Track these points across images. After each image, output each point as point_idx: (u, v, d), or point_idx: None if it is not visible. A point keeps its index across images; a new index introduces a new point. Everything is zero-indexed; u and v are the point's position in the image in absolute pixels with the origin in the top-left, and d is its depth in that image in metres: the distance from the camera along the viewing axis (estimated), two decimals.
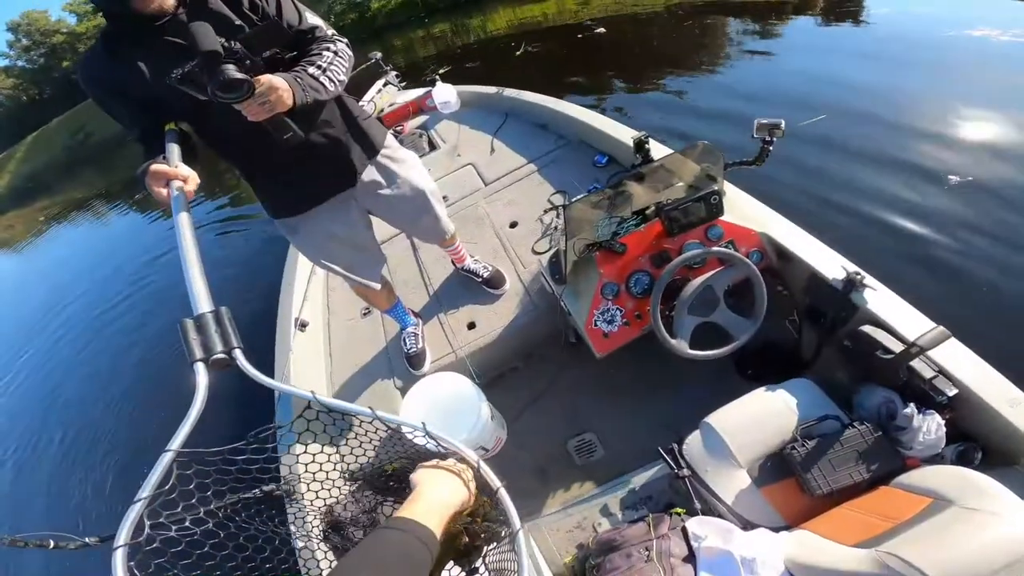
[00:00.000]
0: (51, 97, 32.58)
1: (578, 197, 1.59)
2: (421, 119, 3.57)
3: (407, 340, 2.09)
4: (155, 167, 1.03)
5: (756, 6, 6.61)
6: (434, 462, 0.79)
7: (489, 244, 2.40)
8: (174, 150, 1.10)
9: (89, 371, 4.52)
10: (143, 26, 1.13)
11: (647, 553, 1.09)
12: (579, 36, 6.95)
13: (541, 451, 1.90)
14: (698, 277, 1.48)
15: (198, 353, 0.74)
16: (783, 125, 1.45)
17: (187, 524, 0.72)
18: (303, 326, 2.28)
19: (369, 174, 1.55)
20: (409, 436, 0.97)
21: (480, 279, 2.17)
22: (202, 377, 0.73)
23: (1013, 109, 3.27)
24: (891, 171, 3.05)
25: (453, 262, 2.25)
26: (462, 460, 0.82)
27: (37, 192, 18.29)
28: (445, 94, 3.31)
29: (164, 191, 1.03)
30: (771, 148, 1.49)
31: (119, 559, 0.59)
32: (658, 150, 1.91)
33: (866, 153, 3.23)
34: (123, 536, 0.61)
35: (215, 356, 0.74)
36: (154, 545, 0.64)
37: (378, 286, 1.81)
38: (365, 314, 2.40)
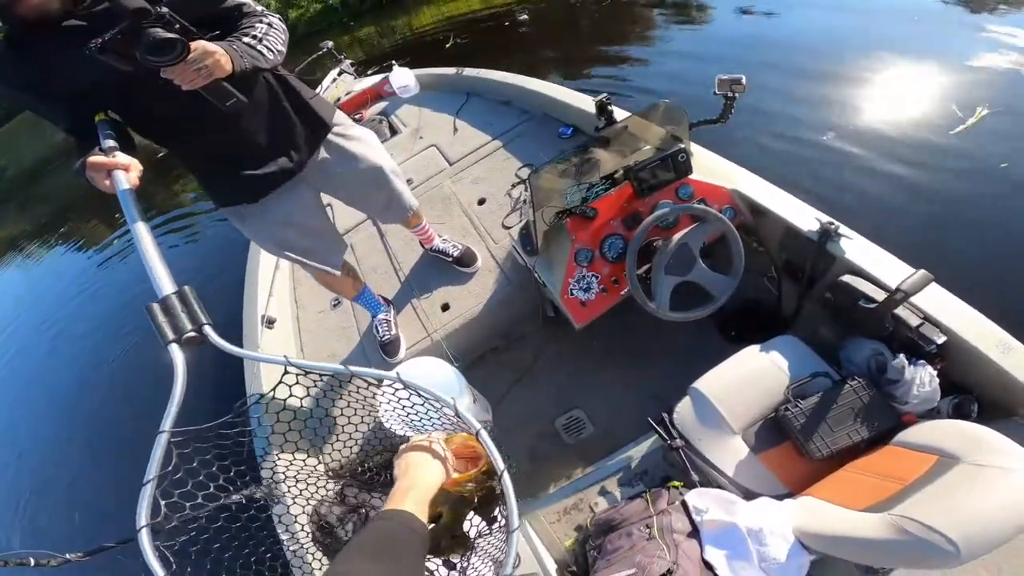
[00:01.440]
0: None
1: (543, 164, 1.57)
2: (380, 105, 3.49)
3: (379, 328, 2.05)
4: (92, 159, 1.01)
5: None
6: (409, 443, 0.79)
7: (458, 223, 2.37)
8: (109, 140, 1.06)
9: (53, 392, 4.37)
10: (46, 29, 1.06)
11: (648, 531, 1.08)
12: (506, 24, 6.97)
13: (529, 432, 1.90)
14: (673, 235, 1.48)
15: (170, 335, 0.75)
16: (744, 81, 1.45)
17: (200, 500, 0.75)
18: (270, 323, 2.22)
19: (319, 153, 1.49)
20: (387, 406, 0.96)
21: (451, 259, 2.15)
22: (178, 357, 0.75)
23: None
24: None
25: (421, 243, 2.22)
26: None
27: None
28: (403, 78, 3.24)
29: (108, 182, 1.00)
30: (734, 104, 1.50)
31: (145, 540, 0.63)
32: (621, 115, 1.90)
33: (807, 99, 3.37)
34: (143, 517, 0.63)
35: (186, 335, 0.76)
36: (172, 524, 0.68)
37: (338, 272, 1.76)
38: (335, 305, 2.35)
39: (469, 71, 3.20)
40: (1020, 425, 1.09)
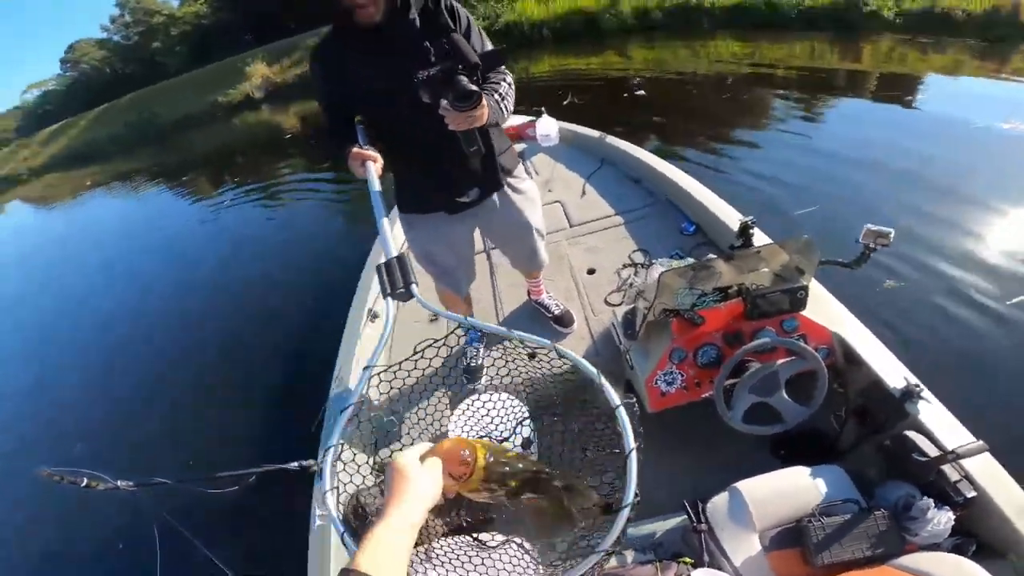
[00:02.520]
0: (131, 75, 34.15)
1: (669, 265, 1.72)
2: (519, 146, 3.78)
3: (468, 352, 2.25)
4: (356, 150, 1.38)
5: (802, 81, 6.94)
6: (397, 455, 0.73)
7: (564, 284, 2.55)
8: (365, 137, 1.47)
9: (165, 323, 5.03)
10: (362, 33, 1.41)
11: None
12: (624, 95, 7.28)
13: None
14: (766, 361, 1.57)
15: (388, 288, 1.04)
16: (892, 236, 1.54)
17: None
18: (374, 317, 2.49)
19: (493, 197, 1.77)
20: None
21: (550, 315, 2.32)
22: (392, 307, 1.03)
23: None
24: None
25: (529, 292, 2.42)
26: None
27: (92, 160, 20.51)
28: (548, 128, 3.46)
29: (362, 169, 1.36)
30: (870, 255, 1.59)
31: (329, 461, 0.87)
32: (760, 237, 2.03)
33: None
34: (335, 437, 0.88)
35: (399, 290, 1.03)
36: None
37: (462, 296, 2.05)
38: (432, 320, 2.59)
39: (611, 139, 3.42)
40: (1009, 564, 1.21)
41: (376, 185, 1.33)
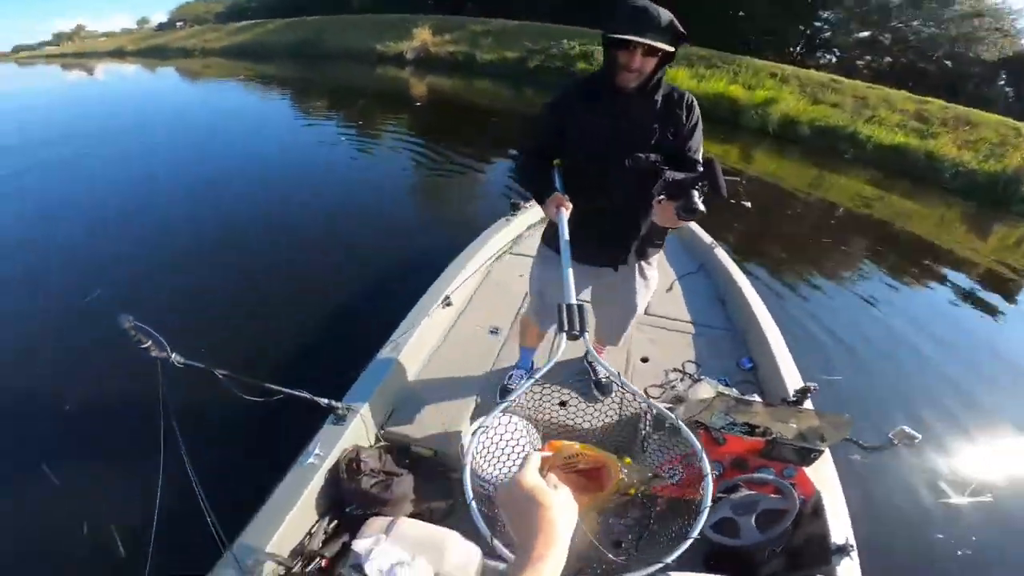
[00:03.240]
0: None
1: (715, 387, 1.96)
2: None
3: (512, 376, 2.52)
4: (557, 195, 1.66)
5: (910, 243, 6.82)
6: (520, 479, 0.56)
7: (616, 359, 2.77)
8: (560, 181, 1.75)
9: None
10: (609, 94, 1.65)
11: None
12: (731, 201, 7.39)
13: None
14: (753, 489, 1.81)
15: (566, 326, 1.29)
16: (917, 441, 1.73)
17: None
18: (447, 304, 2.83)
19: (624, 271, 1.99)
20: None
21: (595, 378, 2.56)
22: (563, 342, 1.29)
23: None
24: None
25: (589, 352, 2.65)
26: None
27: (255, 57, 23.11)
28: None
29: (555, 211, 1.63)
30: (893, 447, 1.78)
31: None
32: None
33: None
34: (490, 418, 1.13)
35: (574, 332, 1.29)
36: None
37: (543, 332, 2.35)
38: (492, 332, 2.89)
39: (719, 251, 3.63)
40: None
41: (566, 233, 1.57)
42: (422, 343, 2.69)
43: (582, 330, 1.27)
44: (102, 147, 5.91)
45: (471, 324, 2.97)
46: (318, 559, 1.70)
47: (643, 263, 2.03)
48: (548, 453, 0.68)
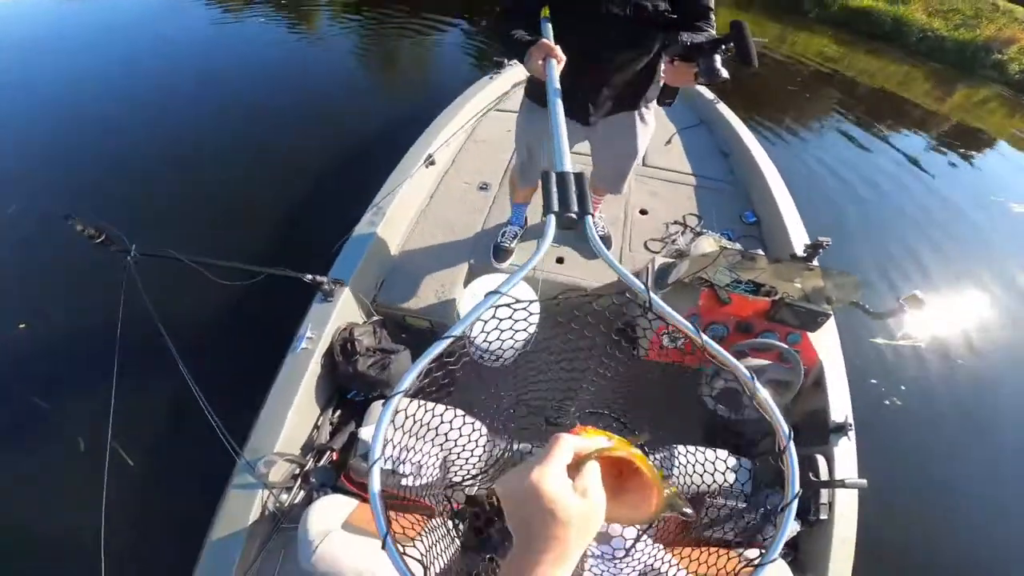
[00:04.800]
0: None
1: (718, 240, 1.88)
2: None
3: (506, 233, 2.42)
4: (544, 42, 1.36)
5: (877, 102, 7.10)
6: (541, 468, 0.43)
7: (614, 212, 2.68)
8: (550, 32, 1.43)
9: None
10: None
11: None
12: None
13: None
14: (758, 358, 1.80)
15: (555, 206, 0.80)
16: (921, 299, 1.72)
17: None
18: (431, 163, 2.62)
19: (620, 117, 1.86)
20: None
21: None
22: (551, 229, 0.79)
23: None
24: None
25: None
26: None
27: None
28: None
29: (541, 63, 1.35)
30: (902, 314, 1.77)
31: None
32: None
33: None
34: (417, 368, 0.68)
35: (568, 214, 0.81)
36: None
37: (533, 188, 2.21)
38: (481, 188, 2.73)
39: (722, 107, 3.40)
40: None
41: (556, 83, 1.25)
42: (407, 205, 2.53)
43: (583, 208, 0.81)
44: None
45: (458, 182, 2.79)
46: (328, 452, 1.71)
47: (643, 108, 1.89)
48: (584, 441, 0.49)
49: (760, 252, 1.94)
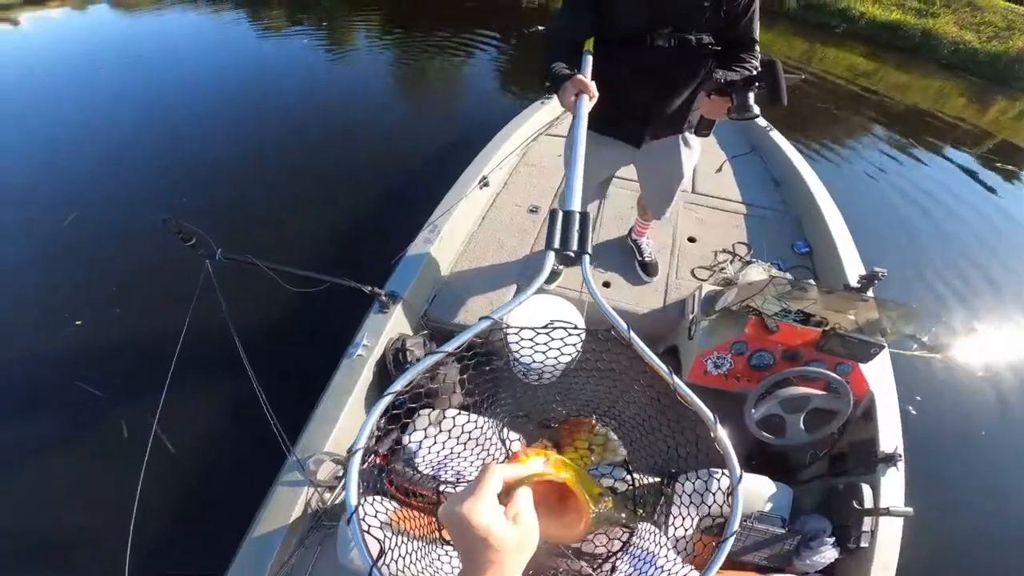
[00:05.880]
0: None
1: (767, 270, 1.89)
2: None
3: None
4: (580, 77, 1.37)
5: (913, 119, 6.96)
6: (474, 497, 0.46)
7: (661, 239, 2.70)
8: (589, 67, 1.46)
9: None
10: None
11: None
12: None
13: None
14: (805, 387, 1.79)
15: (555, 243, 0.86)
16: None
17: None
18: (485, 184, 2.73)
19: (665, 141, 1.93)
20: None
21: (639, 259, 2.52)
22: (549, 262, 0.85)
23: None
24: None
25: (632, 230, 2.60)
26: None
27: None
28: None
29: (573, 99, 1.35)
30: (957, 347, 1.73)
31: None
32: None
33: None
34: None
35: (566, 252, 0.86)
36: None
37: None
38: (531, 211, 2.82)
39: (776, 134, 3.41)
40: None
41: (584, 121, 1.26)
42: (460, 225, 2.65)
43: (582, 248, 0.87)
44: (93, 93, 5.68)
45: (509, 204, 2.89)
46: (372, 456, 1.76)
47: (688, 132, 1.94)
48: (514, 468, 0.52)
49: (811, 282, 1.93)
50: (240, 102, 5.50)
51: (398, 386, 0.73)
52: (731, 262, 2.59)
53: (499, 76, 6.73)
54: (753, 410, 1.80)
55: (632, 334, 0.80)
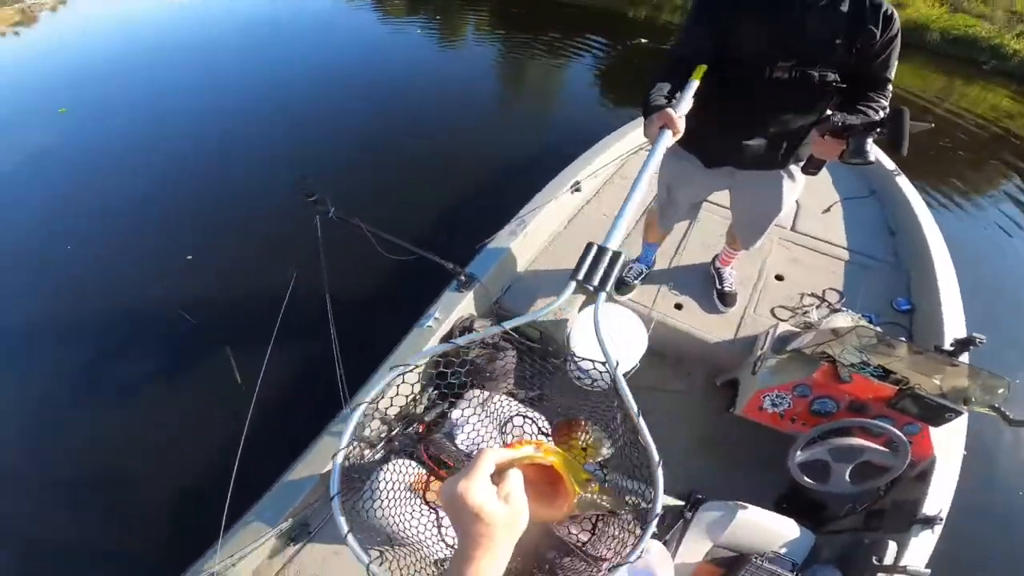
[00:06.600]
0: None
1: (856, 321, 1.82)
2: None
3: (631, 269, 2.52)
4: (669, 112, 1.34)
5: None
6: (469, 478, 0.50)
7: (746, 271, 2.63)
8: (687, 101, 1.41)
9: None
10: None
11: None
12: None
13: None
14: (862, 439, 1.73)
15: (579, 274, 0.92)
16: None
17: None
18: (577, 189, 2.81)
19: (768, 172, 1.85)
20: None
21: (718, 287, 2.48)
22: (568, 291, 0.91)
23: None
24: None
25: (718, 257, 2.55)
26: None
27: None
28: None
29: (656, 131, 1.34)
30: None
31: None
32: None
33: None
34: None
35: (587, 285, 0.91)
36: None
37: (666, 231, 2.35)
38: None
39: (902, 180, 3.18)
40: None
41: (657, 157, 1.24)
42: (546, 224, 2.75)
43: (602, 286, 0.90)
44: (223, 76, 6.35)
45: (598, 212, 2.95)
46: (417, 423, 1.85)
47: (793, 165, 1.85)
48: (506, 452, 0.57)
49: (902, 340, 1.81)
50: (360, 85, 6.10)
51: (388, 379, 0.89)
52: (817, 307, 2.48)
53: (598, 85, 6.80)
54: (799, 452, 1.75)
55: (618, 373, 0.84)
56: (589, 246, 0.94)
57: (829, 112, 1.57)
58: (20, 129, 5.16)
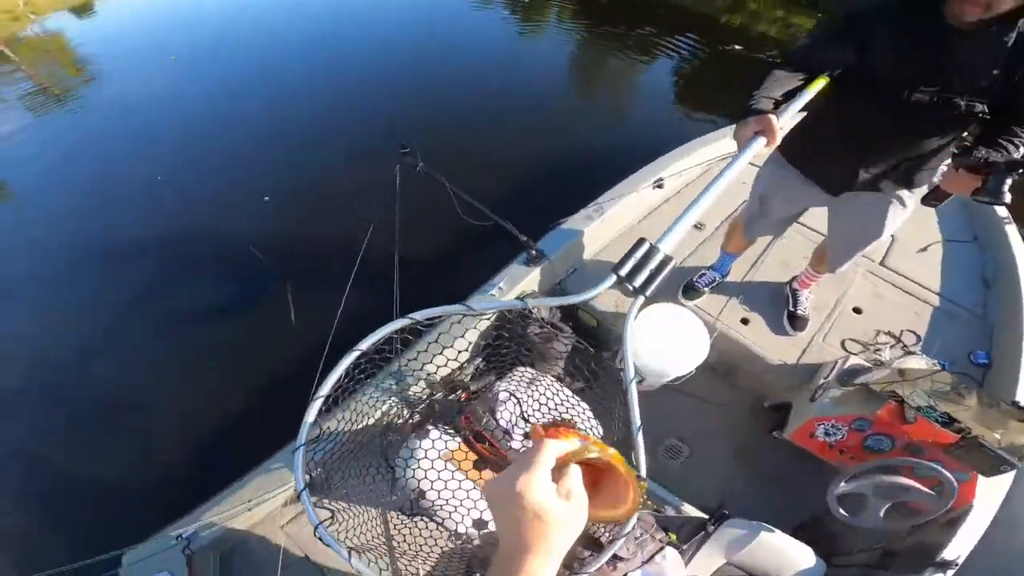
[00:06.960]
0: None
1: (928, 365, 1.83)
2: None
3: (704, 275, 2.52)
4: (771, 118, 1.27)
5: None
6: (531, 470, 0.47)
7: (823, 297, 2.57)
8: (794, 111, 1.35)
9: None
10: (935, 21, 1.31)
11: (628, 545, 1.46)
12: None
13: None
14: (909, 479, 1.71)
15: (623, 270, 0.86)
16: None
17: None
18: (659, 186, 2.84)
19: (876, 196, 1.78)
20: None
21: (790, 309, 2.43)
22: (606, 283, 0.86)
23: None
24: None
25: (796, 279, 2.50)
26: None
27: None
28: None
29: (749, 135, 1.28)
30: None
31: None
32: None
33: None
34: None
35: (628, 284, 0.86)
36: None
37: (750, 241, 2.32)
38: (696, 226, 2.85)
39: (1013, 227, 2.96)
40: None
41: (742, 163, 1.16)
42: (623, 215, 2.78)
43: (643, 289, 0.85)
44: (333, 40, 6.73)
45: (675, 212, 2.93)
46: (459, 391, 1.79)
47: (903, 191, 1.76)
48: (565, 443, 0.52)
49: (973, 390, 1.78)
50: (458, 60, 6.41)
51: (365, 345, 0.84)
52: (891, 347, 2.42)
53: (683, 87, 6.68)
54: (844, 483, 1.74)
55: (633, 386, 0.85)
56: (640, 241, 0.87)
57: (968, 144, 1.46)
58: (135, 73, 5.79)
